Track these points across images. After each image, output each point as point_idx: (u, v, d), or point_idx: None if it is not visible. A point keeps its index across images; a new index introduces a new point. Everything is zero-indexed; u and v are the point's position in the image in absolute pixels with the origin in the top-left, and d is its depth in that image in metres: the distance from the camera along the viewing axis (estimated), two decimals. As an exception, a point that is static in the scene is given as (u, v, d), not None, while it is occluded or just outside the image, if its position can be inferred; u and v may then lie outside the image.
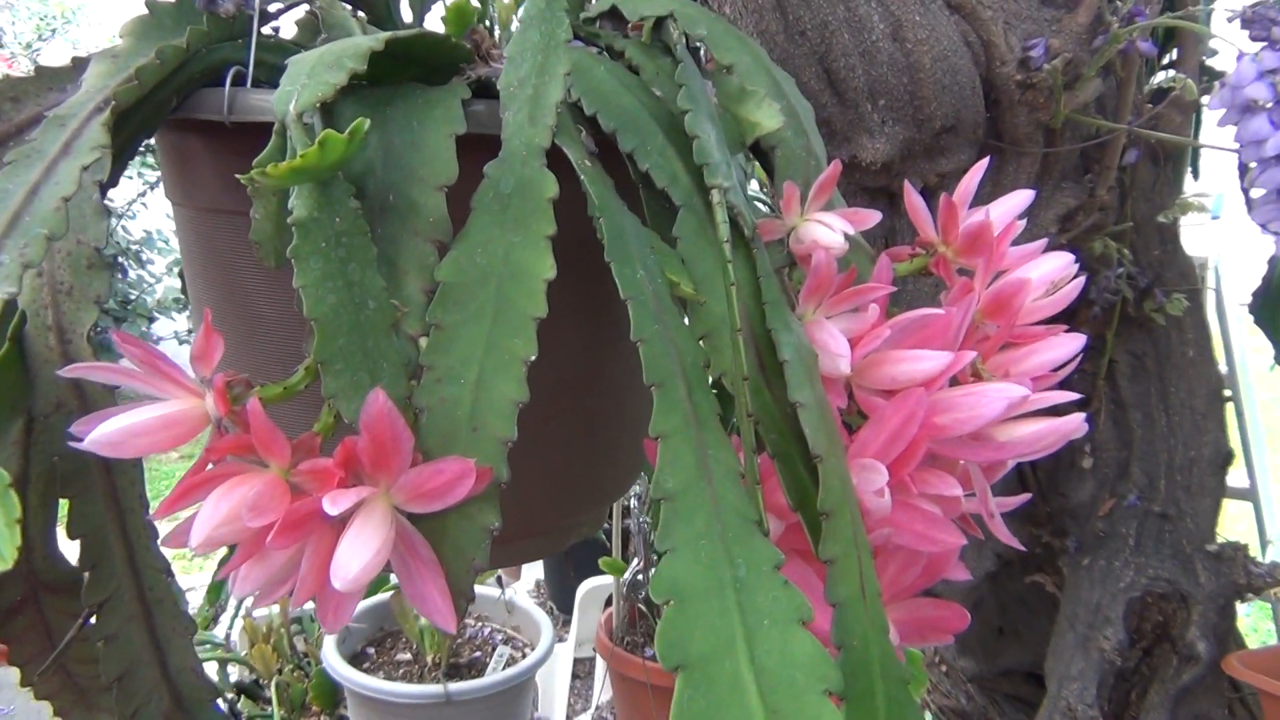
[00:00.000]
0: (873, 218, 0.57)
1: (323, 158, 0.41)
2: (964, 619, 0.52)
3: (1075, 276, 0.59)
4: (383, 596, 1.82)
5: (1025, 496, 0.66)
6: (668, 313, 0.42)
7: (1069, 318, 1.34)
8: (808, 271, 0.50)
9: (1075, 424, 0.55)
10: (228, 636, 2.03)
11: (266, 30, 0.63)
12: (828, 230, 0.50)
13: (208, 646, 1.94)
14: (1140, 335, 1.25)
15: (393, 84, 0.50)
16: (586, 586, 2.30)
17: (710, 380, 0.44)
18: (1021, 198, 0.63)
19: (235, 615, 2.04)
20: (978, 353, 0.53)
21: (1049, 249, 1.11)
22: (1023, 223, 0.60)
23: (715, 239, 0.46)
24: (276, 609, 1.95)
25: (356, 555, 0.39)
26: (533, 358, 0.44)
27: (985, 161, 0.63)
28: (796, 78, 0.96)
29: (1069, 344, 0.58)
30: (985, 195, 1.09)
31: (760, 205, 0.77)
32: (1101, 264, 1.25)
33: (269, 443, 0.42)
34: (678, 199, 0.48)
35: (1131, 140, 1.17)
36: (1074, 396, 0.56)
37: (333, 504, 0.39)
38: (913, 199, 0.62)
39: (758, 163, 0.60)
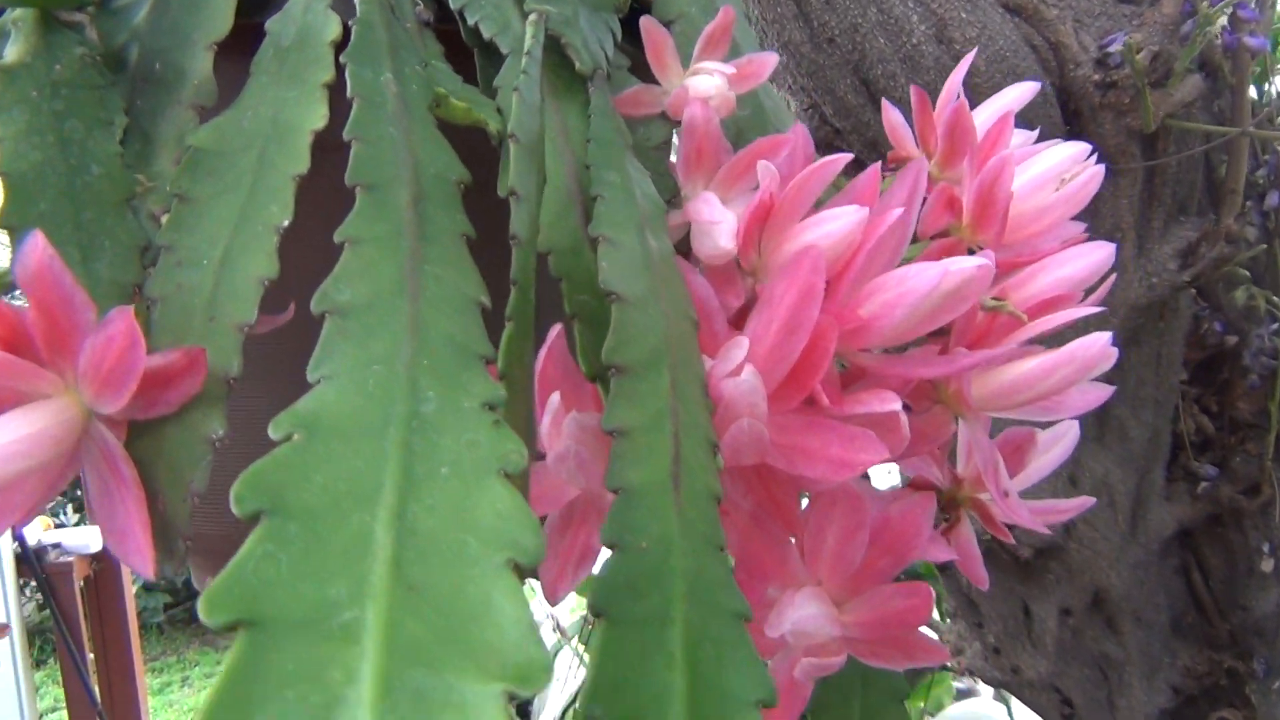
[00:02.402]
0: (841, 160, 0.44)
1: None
2: (929, 600, 0.37)
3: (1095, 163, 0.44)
4: None
5: (1087, 501, 0.50)
6: (419, 124, 0.32)
7: (1223, 390, 1.14)
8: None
9: (1099, 347, 0.40)
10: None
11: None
12: (705, 77, 0.38)
13: None
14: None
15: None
16: None
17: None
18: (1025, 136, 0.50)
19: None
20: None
21: (1170, 289, 0.94)
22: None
23: (542, 81, 0.35)
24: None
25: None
26: (286, 223, 0.34)
27: (969, 59, 0.51)
28: (831, 93, 0.85)
29: (1091, 254, 0.43)
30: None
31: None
32: (1249, 320, 1.06)
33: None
34: (505, 47, 0.37)
35: (1274, 181, 1.00)
36: (1094, 310, 0.41)
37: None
38: (889, 114, 0.49)
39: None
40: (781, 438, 0.35)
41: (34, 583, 2.53)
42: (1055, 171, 0.44)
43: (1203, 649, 1.20)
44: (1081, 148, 0.44)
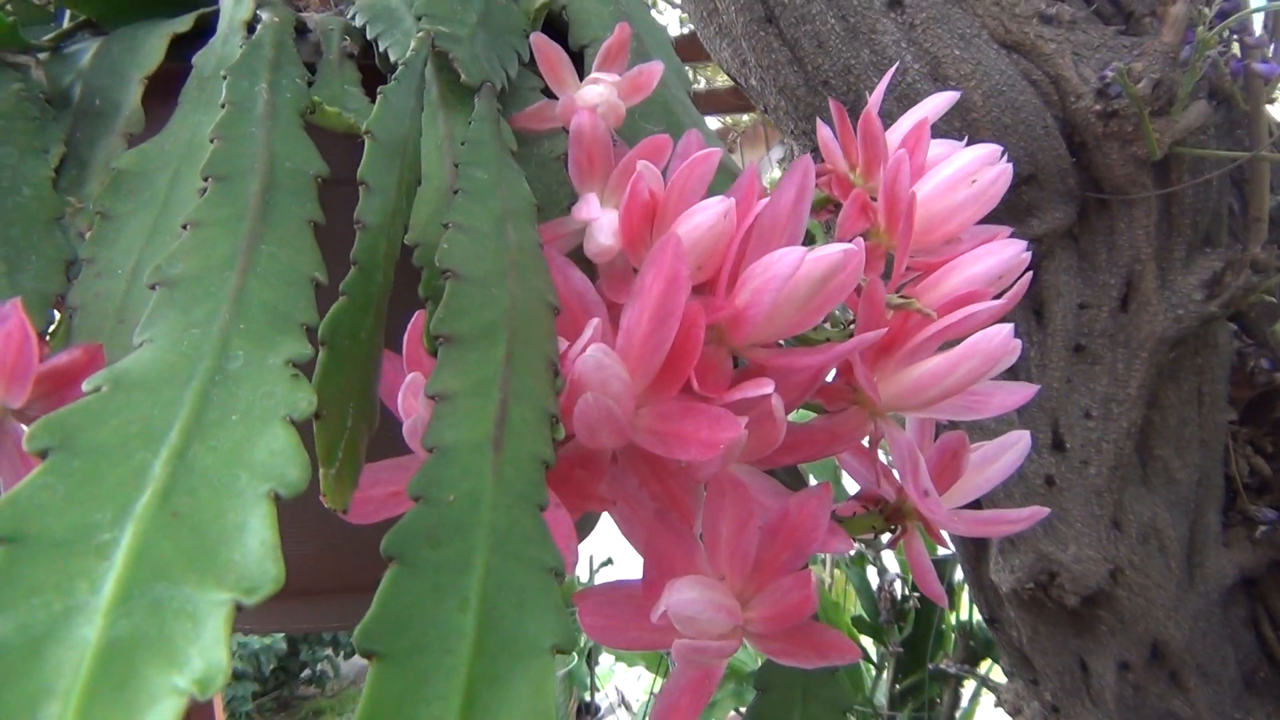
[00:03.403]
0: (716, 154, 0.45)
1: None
2: (815, 590, 0.37)
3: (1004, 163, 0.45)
4: None
5: (1039, 511, 0.49)
6: (283, 126, 0.34)
7: (1277, 429, 1.10)
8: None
9: (1000, 339, 0.40)
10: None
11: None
12: (591, 87, 0.40)
13: None
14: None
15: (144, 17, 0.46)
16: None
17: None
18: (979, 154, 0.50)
19: None
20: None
21: (1198, 321, 0.92)
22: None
23: (427, 97, 0.38)
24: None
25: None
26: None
27: (889, 75, 0.51)
28: (827, 135, 0.86)
29: (1002, 251, 0.43)
30: (1102, 261, 0.93)
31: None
32: (1294, 354, 1.03)
33: None
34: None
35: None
36: (997, 305, 0.41)
37: None
38: (821, 131, 0.50)
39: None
40: (661, 425, 0.36)
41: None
42: (965, 172, 0.44)
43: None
44: (991, 149, 0.44)
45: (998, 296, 0.43)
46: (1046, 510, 0.49)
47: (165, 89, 0.43)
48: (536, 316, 0.32)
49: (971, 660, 1.89)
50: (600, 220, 0.37)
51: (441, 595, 0.25)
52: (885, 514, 0.48)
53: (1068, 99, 0.86)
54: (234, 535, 0.22)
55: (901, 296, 0.42)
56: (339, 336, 0.30)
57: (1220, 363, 1.02)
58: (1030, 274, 0.44)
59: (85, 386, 0.26)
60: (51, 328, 0.39)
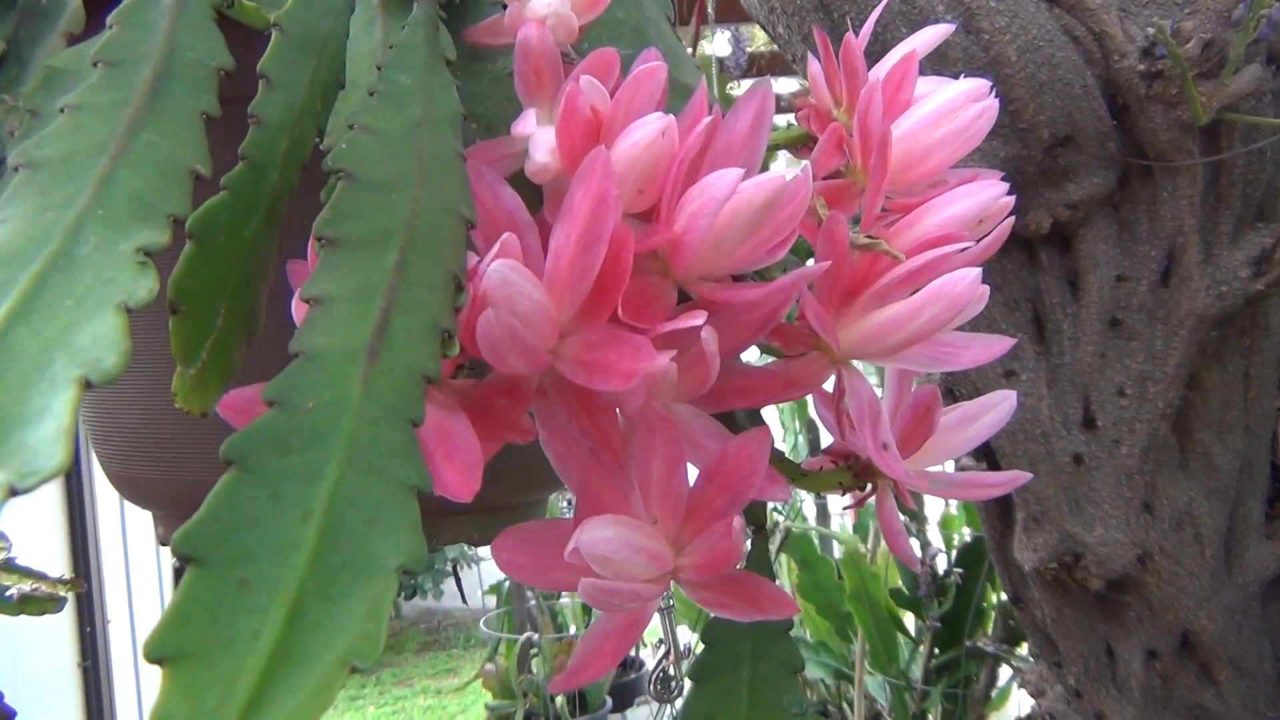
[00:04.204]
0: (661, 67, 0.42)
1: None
2: (731, 527, 0.34)
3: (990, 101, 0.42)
4: None
5: (1021, 476, 0.46)
6: (191, 15, 0.33)
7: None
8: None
9: (966, 283, 0.37)
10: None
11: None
12: (538, -4, 0.38)
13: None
14: None
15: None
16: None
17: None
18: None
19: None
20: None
21: (1243, 299, 0.87)
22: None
23: (369, 3, 0.36)
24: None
25: None
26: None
27: (878, 11, 0.48)
28: (854, 87, 0.83)
29: (980, 193, 0.40)
30: (1143, 232, 0.88)
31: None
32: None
33: None
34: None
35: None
36: (974, 249, 0.38)
37: None
38: (810, 64, 0.48)
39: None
40: (586, 354, 0.34)
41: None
42: (948, 108, 0.41)
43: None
44: (978, 83, 0.41)
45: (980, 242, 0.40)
46: (1028, 475, 0.47)
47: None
48: (441, 227, 0.30)
49: (1011, 640, 1.86)
50: (537, 135, 0.35)
51: (281, 504, 0.24)
52: (855, 470, 0.46)
53: (1111, 57, 0.81)
54: (33, 419, 0.21)
55: (869, 236, 0.40)
56: (212, 232, 0.28)
57: (1271, 345, 0.97)
58: (1012, 219, 0.41)
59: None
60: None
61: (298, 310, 0.31)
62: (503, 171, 0.38)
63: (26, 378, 0.22)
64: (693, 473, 0.38)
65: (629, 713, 3.10)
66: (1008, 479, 0.46)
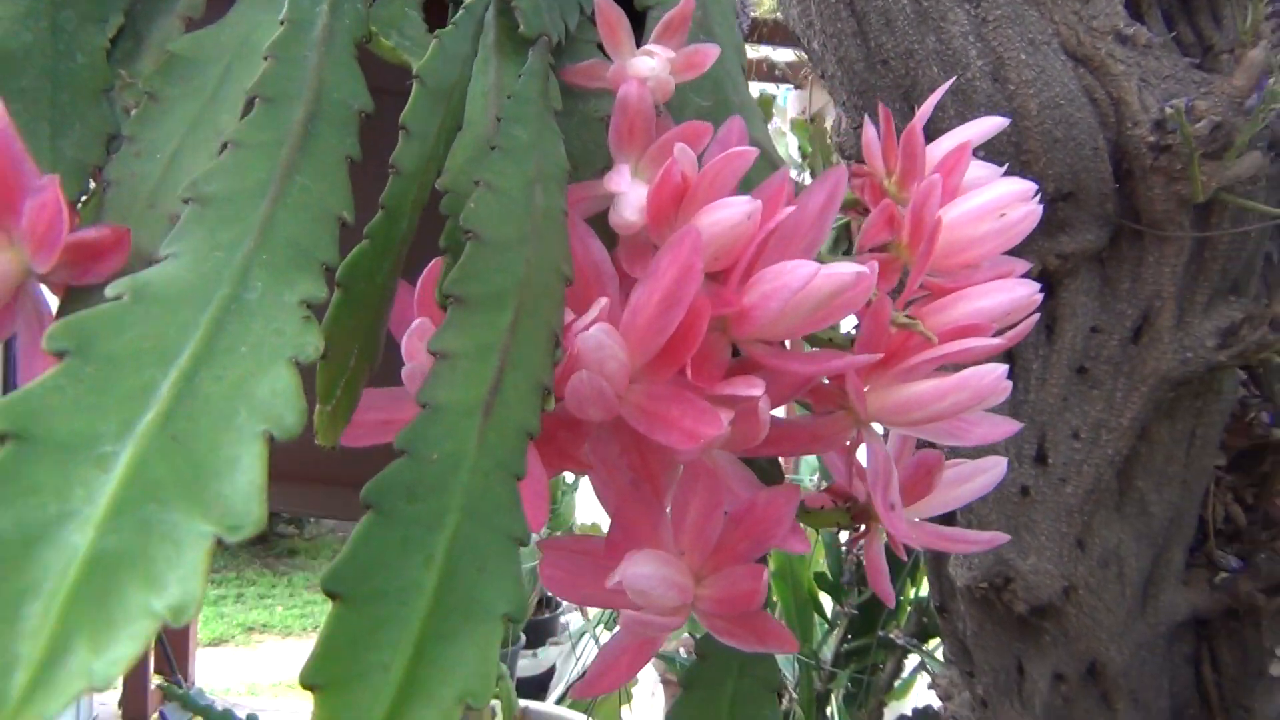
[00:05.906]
0: (751, 153, 0.46)
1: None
2: (761, 575, 0.38)
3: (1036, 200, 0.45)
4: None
5: (1000, 537, 0.50)
6: (337, 53, 0.35)
7: (1262, 482, 1.11)
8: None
9: (993, 378, 0.41)
10: None
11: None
12: (645, 58, 0.40)
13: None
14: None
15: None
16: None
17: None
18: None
19: None
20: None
21: (1205, 367, 0.92)
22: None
23: (483, 41, 0.38)
24: None
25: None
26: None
27: (937, 94, 0.52)
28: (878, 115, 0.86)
29: (1013, 291, 0.44)
30: (1124, 290, 0.93)
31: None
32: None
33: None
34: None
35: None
36: (995, 343, 0.42)
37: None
38: (867, 130, 0.51)
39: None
40: (650, 404, 0.38)
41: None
42: (996, 204, 0.45)
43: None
44: (1027, 185, 0.45)
45: (1001, 333, 0.44)
46: (1006, 537, 0.51)
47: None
48: (548, 286, 0.33)
49: (921, 636, 1.94)
50: (629, 195, 0.38)
51: (409, 549, 0.26)
52: (852, 512, 0.50)
53: (1124, 124, 0.85)
54: (225, 470, 0.23)
55: (908, 316, 0.43)
56: (356, 280, 0.31)
57: (1220, 409, 1.03)
58: (1035, 317, 0.44)
59: (109, 292, 0.27)
60: (85, 197, 0.40)
61: (410, 345, 0.33)
62: (582, 212, 0.41)
63: (216, 426, 0.24)
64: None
65: (540, 651, 3.18)
66: (989, 538, 0.50)
